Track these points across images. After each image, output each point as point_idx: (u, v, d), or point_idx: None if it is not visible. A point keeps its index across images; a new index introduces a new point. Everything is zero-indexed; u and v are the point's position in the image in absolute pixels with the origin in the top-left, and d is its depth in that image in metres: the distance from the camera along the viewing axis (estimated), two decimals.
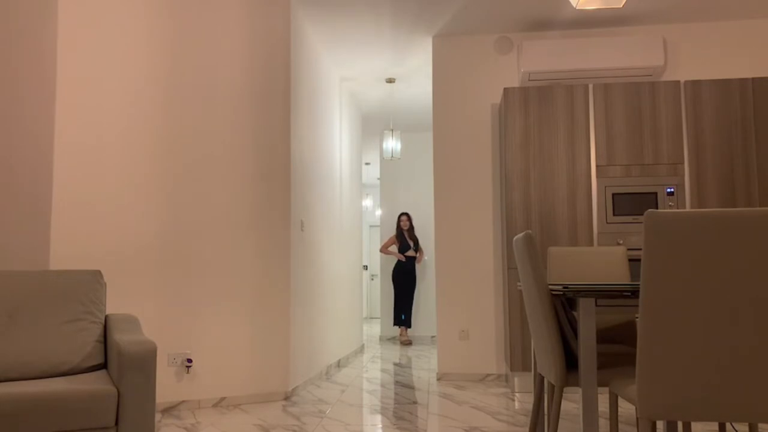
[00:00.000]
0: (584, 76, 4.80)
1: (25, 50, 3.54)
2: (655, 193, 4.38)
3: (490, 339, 4.98)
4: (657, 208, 4.37)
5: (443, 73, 5.21)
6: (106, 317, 2.81)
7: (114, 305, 3.58)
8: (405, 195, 8.80)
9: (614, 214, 4.40)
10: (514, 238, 2.53)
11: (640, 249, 3.54)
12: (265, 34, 4.24)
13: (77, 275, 2.79)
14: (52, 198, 3.40)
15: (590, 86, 4.51)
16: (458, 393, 4.38)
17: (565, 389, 4.47)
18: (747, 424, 3.13)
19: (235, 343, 3.96)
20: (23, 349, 2.53)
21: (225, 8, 4.09)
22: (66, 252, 3.43)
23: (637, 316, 2.67)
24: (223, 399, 3.91)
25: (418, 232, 8.72)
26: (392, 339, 8.70)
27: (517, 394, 4.34)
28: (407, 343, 8.05)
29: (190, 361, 3.79)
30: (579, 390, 4.44)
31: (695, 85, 4.43)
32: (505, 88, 4.62)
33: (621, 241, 4.38)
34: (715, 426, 3.35)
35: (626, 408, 3.82)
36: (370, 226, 13.53)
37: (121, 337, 2.45)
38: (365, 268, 13.16)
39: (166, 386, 3.74)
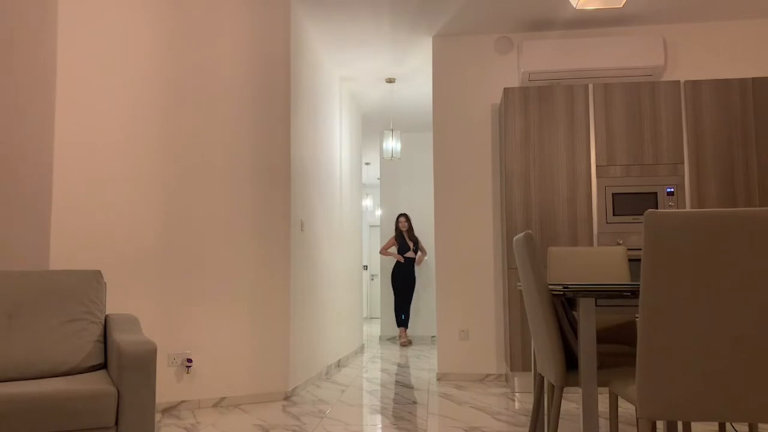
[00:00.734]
0: (584, 76, 4.80)
1: (25, 51, 3.54)
2: (655, 193, 4.38)
3: (490, 339, 4.98)
4: (657, 208, 4.37)
5: (443, 73, 5.21)
6: (106, 317, 2.81)
7: (114, 305, 3.58)
8: (405, 195, 8.80)
9: (614, 214, 4.40)
10: (514, 238, 2.53)
11: (640, 249, 3.54)
12: (265, 34, 4.24)
13: (77, 275, 2.79)
14: (52, 198, 3.40)
15: (590, 86, 4.51)
16: (458, 393, 4.38)
17: (565, 389, 4.47)
18: (747, 424, 3.13)
19: (235, 343, 3.96)
20: (23, 349, 2.53)
21: (225, 8, 4.09)
22: (66, 252, 3.43)
23: (637, 316, 2.67)
24: (223, 399, 3.91)
25: (418, 233, 8.72)
26: (392, 339, 8.70)
27: (517, 394, 4.34)
28: (406, 344, 7.99)
29: (190, 361, 3.79)
30: (579, 390, 4.44)
31: (695, 85, 4.43)
32: (505, 88, 4.62)
33: (621, 241, 4.38)
34: (715, 426, 3.35)
35: (626, 408, 3.82)
36: (370, 226, 13.52)
37: (121, 337, 2.45)
38: (365, 268, 13.16)
39: (166, 386, 3.74)
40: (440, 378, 4.98)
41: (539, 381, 2.68)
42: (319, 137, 5.28)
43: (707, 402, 1.65)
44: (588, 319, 2.11)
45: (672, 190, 4.37)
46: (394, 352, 7.15)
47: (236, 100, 4.08)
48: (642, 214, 4.38)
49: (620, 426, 3.34)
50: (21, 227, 3.43)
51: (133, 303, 3.65)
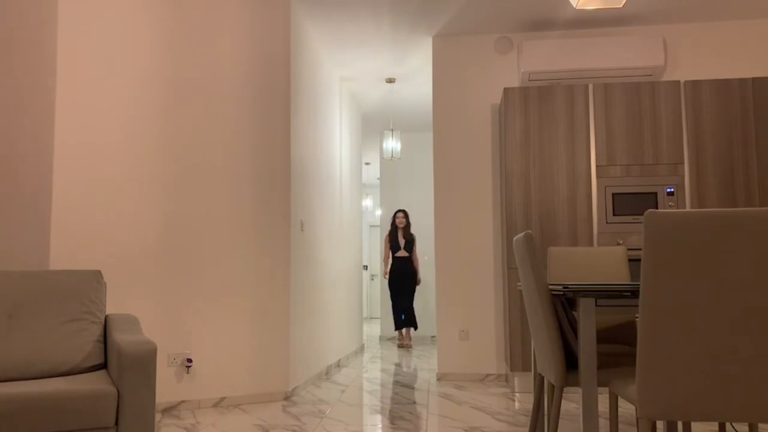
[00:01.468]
0: (584, 76, 4.80)
1: (25, 51, 3.54)
2: (655, 193, 4.38)
3: (490, 339, 4.98)
4: (657, 208, 4.37)
5: (443, 73, 5.21)
6: (106, 317, 2.81)
7: (114, 305, 3.58)
8: (405, 195, 8.80)
9: (614, 214, 4.40)
10: (514, 238, 2.53)
11: (640, 249, 3.54)
12: (265, 34, 4.24)
13: (77, 275, 2.79)
14: (52, 198, 3.40)
15: (590, 86, 4.51)
16: (458, 393, 4.38)
17: (565, 389, 4.47)
18: (747, 424, 3.13)
19: (235, 343, 3.96)
20: (23, 349, 2.53)
21: (225, 8, 4.09)
22: (66, 252, 3.43)
23: (637, 316, 2.67)
24: (223, 399, 3.91)
25: (418, 233, 8.70)
26: (392, 339, 8.70)
27: (517, 394, 4.34)
28: (403, 346, 7.52)
29: (190, 361, 3.79)
30: (579, 390, 4.44)
31: (695, 85, 4.43)
32: (505, 88, 4.62)
33: (621, 241, 4.38)
34: (715, 426, 3.35)
35: (626, 408, 3.82)
36: (370, 226, 13.52)
37: (121, 337, 2.45)
38: (365, 268, 13.16)
39: (166, 386, 3.74)
40: (440, 378, 4.97)
41: (539, 381, 2.68)
42: (319, 137, 5.28)
43: (707, 402, 1.65)
44: (588, 319, 2.11)
45: (672, 190, 4.37)
46: (394, 352, 7.15)
47: (236, 99, 4.08)
48: (642, 214, 4.38)
49: (620, 426, 3.34)
50: (21, 227, 3.43)
51: (133, 303, 3.65)
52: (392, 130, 7.08)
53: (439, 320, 5.04)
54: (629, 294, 2.08)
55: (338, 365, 5.78)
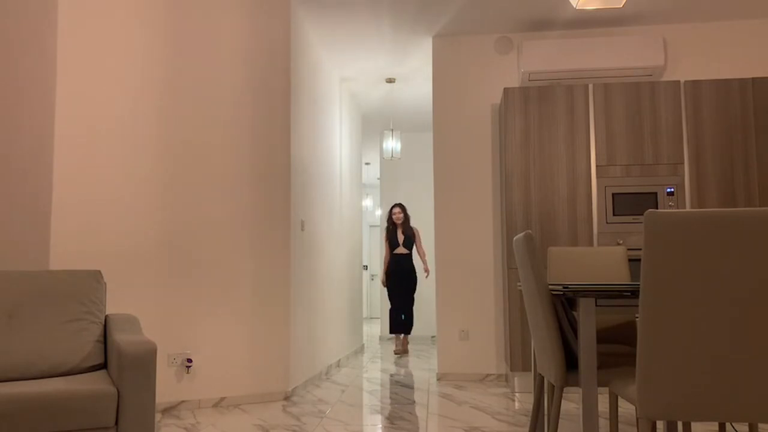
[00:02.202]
0: (584, 76, 4.80)
1: (25, 51, 3.54)
2: (655, 193, 4.38)
3: (490, 339, 4.98)
4: (657, 208, 4.37)
5: (443, 73, 5.21)
6: (106, 317, 2.81)
7: (114, 305, 3.58)
8: (405, 195, 8.81)
9: (614, 214, 4.40)
10: (514, 238, 2.53)
11: (640, 249, 3.54)
12: (265, 35, 4.24)
13: (77, 275, 2.79)
14: (52, 198, 3.40)
15: (590, 86, 4.51)
16: (458, 393, 4.38)
17: (565, 389, 4.47)
18: (747, 424, 3.13)
19: (235, 343, 3.96)
20: (23, 349, 2.53)
21: (225, 9, 4.09)
22: (66, 252, 3.43)
23: (637, 316, 2.67)
24: (223, 399, 3.91)
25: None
26: (392, 339, 8.69)
27: (517, 394, 4.34)
28: (399, 352, 6.89)
29: (190, 361, 3.79)
30: (579, 390, 4.44)
31: (695, 85, 4.43)
32: (505, 88, 4.62)
33: (621, 241, 4.38)
34: (715, 426, 3.35)
35: (626, 408, 3.82)
36: (370, 226, 13.52)
37: (121, 337, 2.45)
38: (365, 268, 13.16)
39: (166, 386, 3.74)
40: (440, 378, 4.97)
41: (539, 381, 2.68)
42: (319, 137, 5.28)
43: (707, 402, 1.65)
44: (588, 319, 2.11)
45: (672, 190, 4.37)
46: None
47: (236, 100, 4.08)
48: (642, 214, 4.38)
49: (620, 426, 3.34)
50: (21, 227, 3.43)
51: (133, 303, 3.65)
52: (392, 130, 7.08)
53: (439, 320, 5.04)
54: (629, 294, 2.08)
55: (338, 365, 5.78)
